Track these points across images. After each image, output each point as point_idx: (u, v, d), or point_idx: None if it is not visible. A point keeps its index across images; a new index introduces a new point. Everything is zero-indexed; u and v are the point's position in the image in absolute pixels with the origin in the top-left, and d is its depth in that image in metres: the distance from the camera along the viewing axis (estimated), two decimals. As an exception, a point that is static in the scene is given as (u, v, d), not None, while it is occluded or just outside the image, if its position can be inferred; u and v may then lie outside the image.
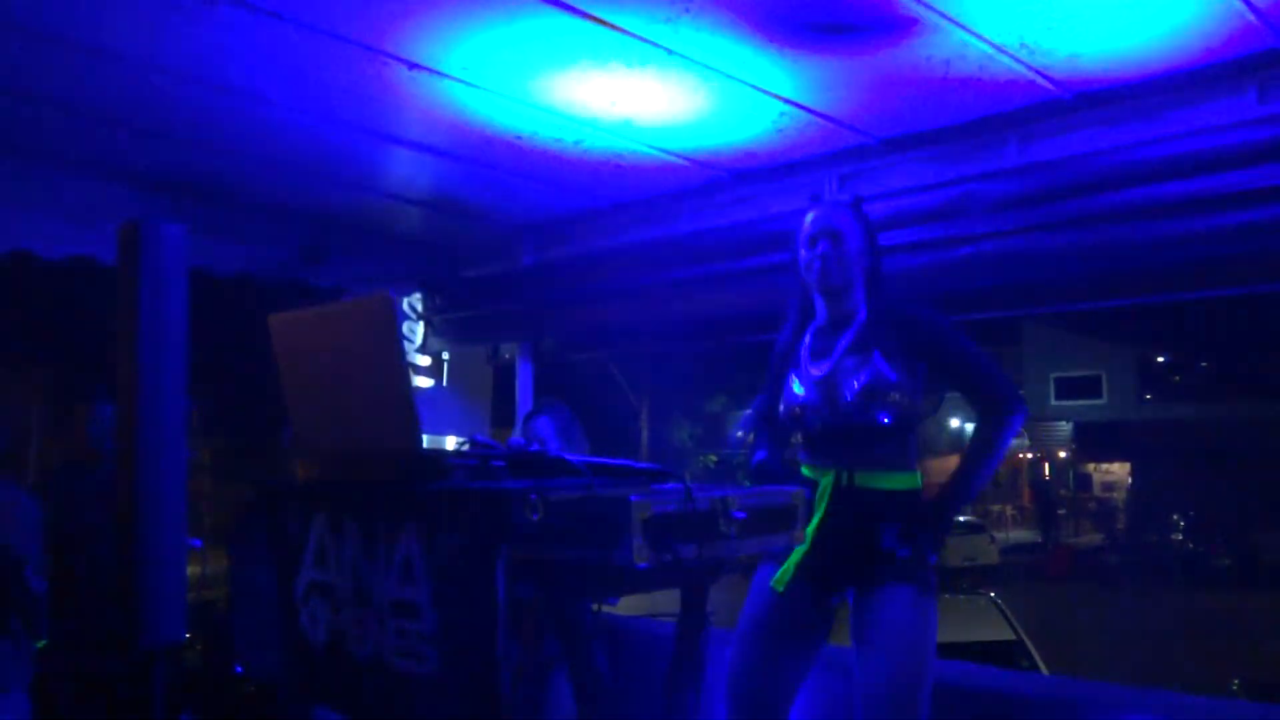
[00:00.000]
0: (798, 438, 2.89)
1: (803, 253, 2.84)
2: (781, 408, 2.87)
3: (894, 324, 2.74)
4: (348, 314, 2.11)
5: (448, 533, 1.76)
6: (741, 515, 1.92)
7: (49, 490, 4.44)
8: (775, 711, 2.77)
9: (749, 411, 3.15)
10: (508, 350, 5.65)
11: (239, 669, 2.48)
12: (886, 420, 2.68)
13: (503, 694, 1.64)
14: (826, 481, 2.73)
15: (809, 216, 2.86)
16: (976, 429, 2.77)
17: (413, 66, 3.13)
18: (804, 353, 2.86)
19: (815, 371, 2.79)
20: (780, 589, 2.75)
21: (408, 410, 1.88)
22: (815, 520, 2.71)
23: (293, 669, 2.15)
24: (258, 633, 2.23)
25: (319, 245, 4.77)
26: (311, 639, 2.06)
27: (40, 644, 4.19)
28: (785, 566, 2.75)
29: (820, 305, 2.87)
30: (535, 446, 2.18)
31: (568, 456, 1.88)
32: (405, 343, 5.45)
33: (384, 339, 1.91)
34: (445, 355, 5.71)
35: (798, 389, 2.81)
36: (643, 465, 1.99)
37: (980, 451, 2.73)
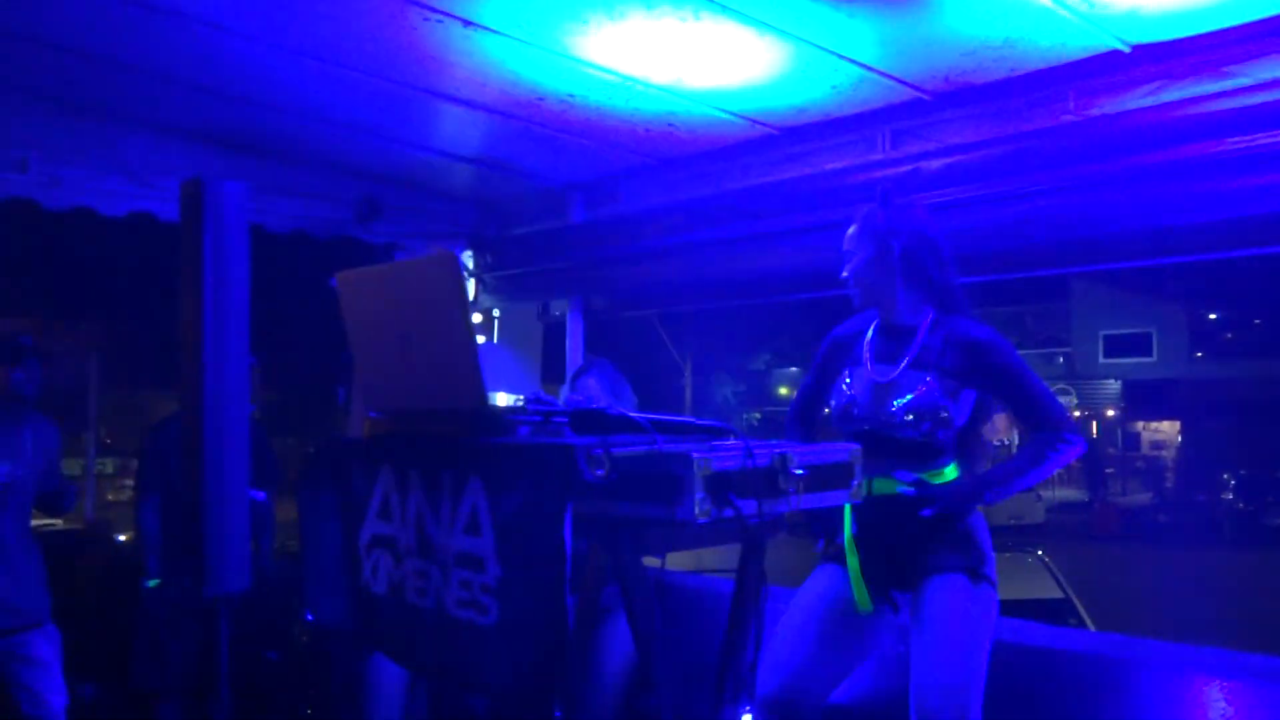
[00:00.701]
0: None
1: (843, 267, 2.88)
2: (832, 401, 2.88)
3: (959, 345, 2.72)
4: (413, 272, 2.15)
5: (514, 487, 1.80)
6: (801, 472, 1.94)
7: (155, 440, 4.63)
8: (813, 698, 2.75)
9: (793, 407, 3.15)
10: (558, 308, 5.68)
11: (309, 616, 2.57)
12: (938, 436, 2.70)
13: (566, 645, 1.68)
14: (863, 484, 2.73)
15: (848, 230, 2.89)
16: (1031, 441, 2.72)
17: (468, 24, 3.14)
18: (866, 352, 2.84)
19: (876, 376, 2.78)
20: (864, 609, 2.73)
21: (473, 366, 1.92)
22: (849, 524, 2.76)
23: (355, 618, 2.21)
24: (326, 582, 2.29)
25: (373, 202, 4.81)
26: (374, 590, 2.12)
27: (153, 583, 4.43)
28: (855, 585, 2.73)
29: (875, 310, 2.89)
30: (591, 403, 2.21)
31: (631, 413, 1.91)
32: (468, 300, 5.52)
33: (449, 296, 1.95)
34: (496, 313, 5.76)
35: (850, 389, 2.82)
36: (703, 422, 2.02)
37: (1030, 458, 2.70)
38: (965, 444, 2.80)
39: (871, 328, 2.88)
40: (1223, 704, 2.62)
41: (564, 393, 4.11)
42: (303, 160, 4.62)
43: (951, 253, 2.87)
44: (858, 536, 2.74)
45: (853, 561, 2.74)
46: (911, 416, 2.69)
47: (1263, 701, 2.60)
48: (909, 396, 2.69)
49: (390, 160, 4.63)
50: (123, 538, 7.57)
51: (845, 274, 2.85)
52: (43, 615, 4.12)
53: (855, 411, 2.78)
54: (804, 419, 3.08)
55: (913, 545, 2.69)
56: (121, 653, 4.59)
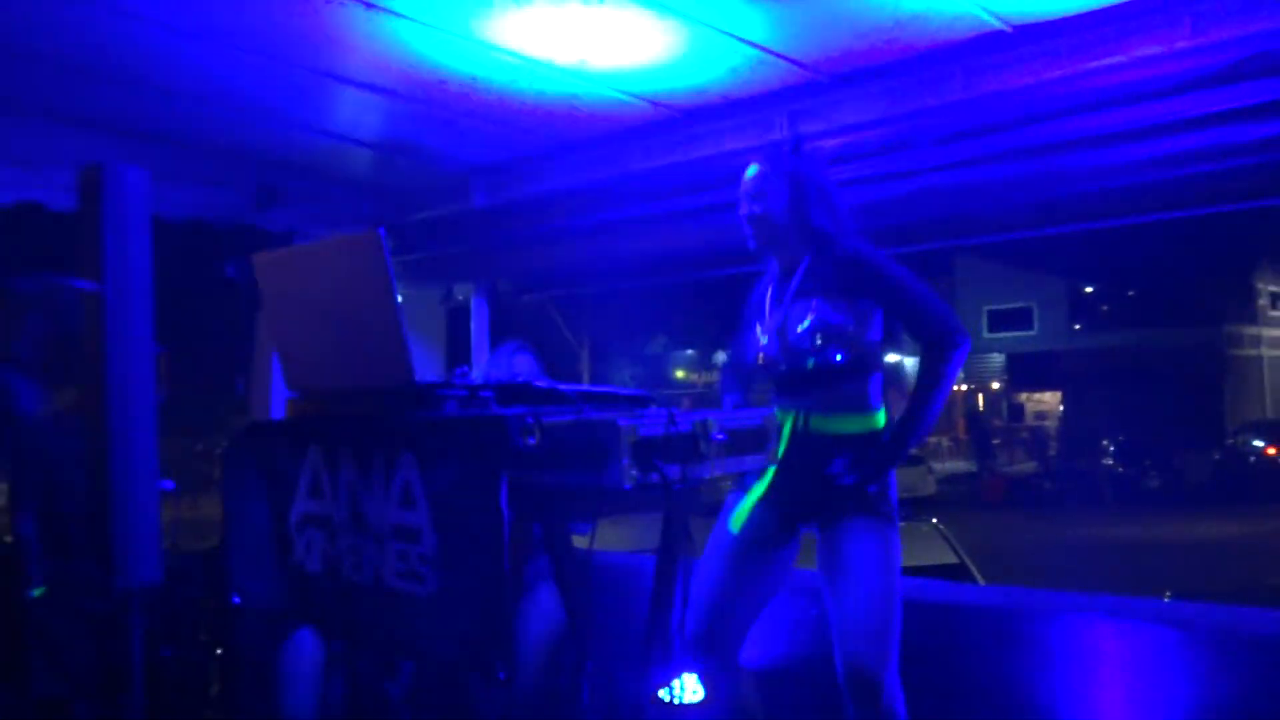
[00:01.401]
0: (768, 387, 2.96)
1: (740, 207, 2.92)
2: (750, 355, 2.96)
3: (835, 264, 2.78)
4: (337, 251, 2.16)
5: (447, 459, 1.84)
6: (721, 437, 2.02)
7: (29, 440, 4.46)
8: (734, 631, 2.88)
9: (725, 363, 3.23)
10: (461, 292, 5.69)
11: (236, 599, 2.57)
12: (838, 359, 2.75)
13: (506, 610, 1.74)
14: (786, 425, 2.80)
15: (745, 174, 2.93)
16: (921, 363, 2.77)
17: (369, 6, 3.14)
18: (768, 302, 2.94)
19: (773, 320, 2.88)
20: (736, 529, 2.85)
21: (400, 344, 1.95)
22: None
23: (288, 597, 2.23)
24: (254, 564, 2.30)
25: (271, 189, 4.76)
26: (308, 568, 2.14)
27: (38, 591, 4.26)
28: (743, 505, 2.85)
29: (771, 257, 2.97)
30: (520, 378, 2.26)
31: (558, 385, 1.97)
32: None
33: (375, 275, 1.98)
34: (398, 298, 5.73)
35: (761, 338, 2.90)
36: (626, 391, 2.08)
37: (928, 386, 2.73)
38: (873, 363, 2.84)
39: (770, 279, 2.97)
40: (1113, 643, 2.80)
41: (485, 372, 4.14)
42: (198, 146, 4.53)
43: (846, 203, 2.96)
44: (783, 462, 2.71)
45: (758, 487, 2.82)
46: (813, 342, 2.75)
47: (1150, 640, 2.78)
48: (805, 323, 2.76)
49: (289, 146, 4.57)
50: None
51: (753, 213, 2.88)
52: None
53: (768, 356, 2.85)
54: (737, 375, 3.14)
55: (829, 486, 2.74)
56: (11, 662, 4.46)
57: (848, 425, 2.79)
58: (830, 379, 2.78)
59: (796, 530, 2.88)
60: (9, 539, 3.96)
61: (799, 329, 2.77)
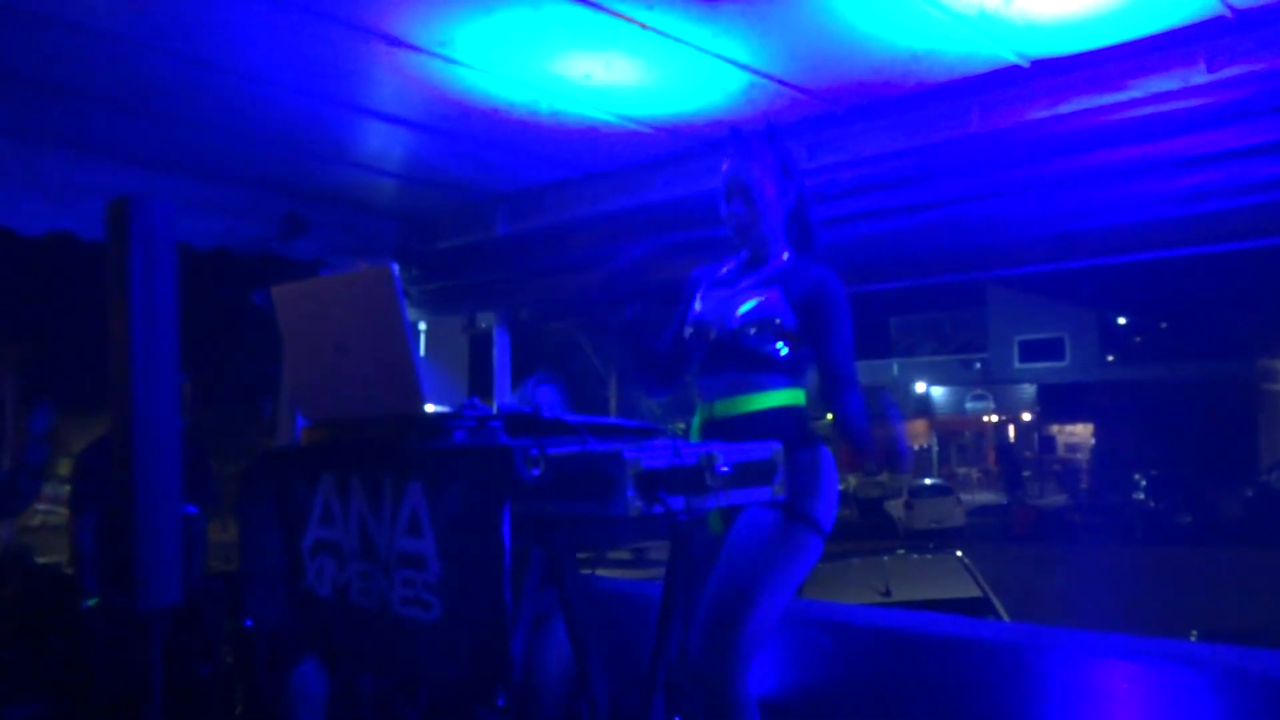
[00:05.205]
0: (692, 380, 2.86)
1: (721, 205, 2.86)
2: (687, 327, 2.86)
3: (807, 277, 2.74)
4: (351, 284, 2.20)
5: (452, 488, 1.87)
6: (726, 470, 2.04)
7: (88, 459, 4.59)
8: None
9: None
10: (484, 320, 5.74)
11: (249, 623, 2.60)
12: (769, 350, 2.67)
13: (508, 637, 1.76)
14: (696, 417, 2.74)
15: (725, 165, 2.85)
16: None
17: (393, 42, 3.20)
18: (723, 277, 2.90)
19: (719, 292, 2.83)
20: (714, 530, 2.66)
21: (411, 374, 1.99)
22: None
23: (299, 621, 2.26)
24: (267, 588, 2.33)
25: (297, 218, 4.83)
26: (318, 593, 2.17)
27: (92, 602, 4.38)
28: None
29: (745, 248, 2.91)
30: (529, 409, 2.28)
31: (563, 415, 1.99)
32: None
33: (387, 307, 2.01)
34: (422, 326, 5.79)
35: (702, 305, 2.84)
36: (632, 423, 2.11)
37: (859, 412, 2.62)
38: (798, 373, 2.73)
39: (731, 263, 2.93)
40: (1126, 684, 2.78)
41: (508, 400, 4.17)
42: (225, 177, 4.62)
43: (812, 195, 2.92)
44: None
45: None
46: (754, 328, 2.68)
47: (1162, 680, 2.76)
48: (753, 302, 2.71)
49: (314, 176, 4.65)
50: (42, 560, 7.44)
51: (727, 210, 2.83)
52: None
53: (703, 323, 2.78)
54: (648, 354, 2.98)
55: None
56: (62, 672, 4.54)
57: (762, 402, 2.67)
58: (754, 363, 2.68)
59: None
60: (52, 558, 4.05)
61: (749, 305, 2.71)
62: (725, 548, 2.54)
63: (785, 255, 2.85)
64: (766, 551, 2.50)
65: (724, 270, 2.94)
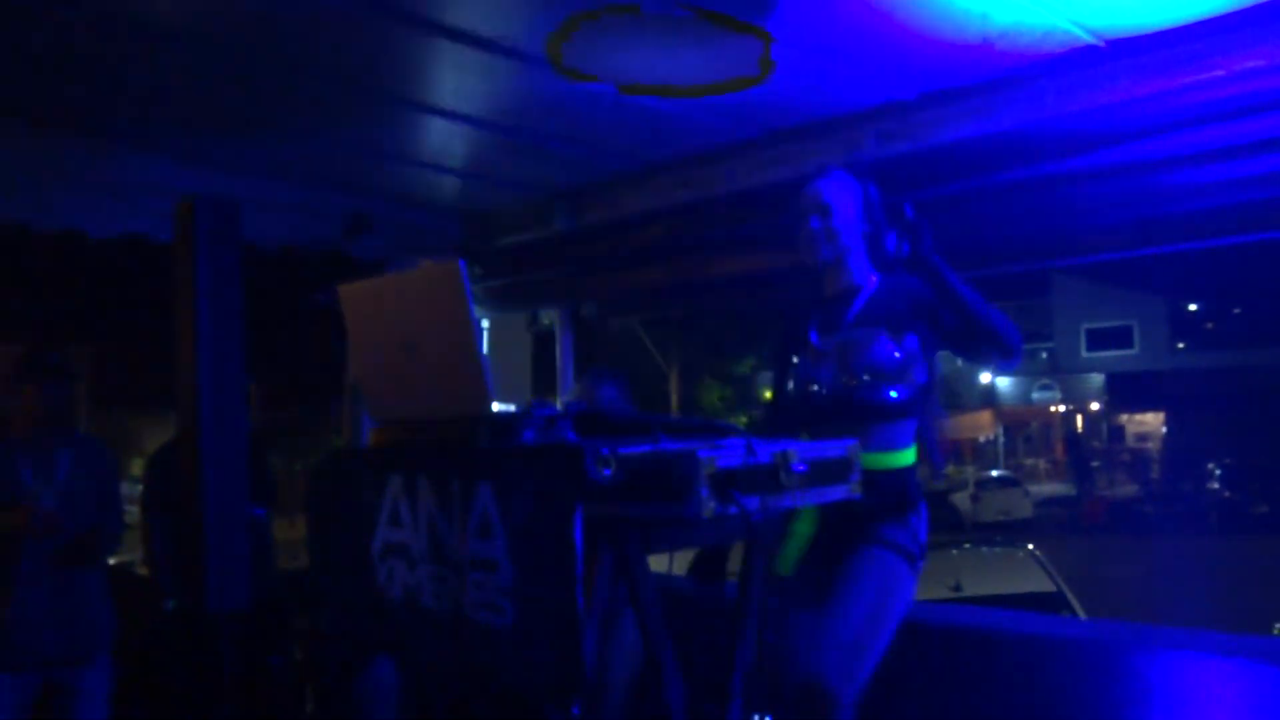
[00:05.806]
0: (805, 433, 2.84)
1: (798, 226, 2.86)
2: (791, 386, 2.87)
3: (904, 294, 2.73)
4: (418, 281, 2.18)
5: (523, 490, 1.83)
6: (802, 468, 1.98)
7: (159, 463, 4.62)
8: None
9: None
10: (547, 317, 5.72)
11: (318, 624, 2.61)
12: (895, 396, 2.68)
13: (582, 642, 1.72)
14: None
15: (804, 191, 2.88)
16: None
17: (454, 38, 3.18)
18: (810, 331, 2.86)
19: (822, 346, 2.80)
20: (788, 572, 2.74)
21: (479, 373, 1.96)
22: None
23: (369, 624, 2.24)
24: (337, 590, 2.32)
25: (362, 217, 4.84)
26: (388, 595, 2.15)
27: (173, 603, 4.42)
28: (789, 549, 2.74)
29: (825, 279, 2.90)
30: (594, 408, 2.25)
31: (635, 414, 1.95)
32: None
33: (455, 304, 1.98)
34: (485, 323, 5.79)
35: (803, 364, 2.83)
36: (705, 422, 2.06)
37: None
38: (915, 408, 2.75)
39: (810, 309, 2.90)
40: (1219, 683, 2.67)
41: (571, 399, 4.14)
42: (291, 177, 4.63)
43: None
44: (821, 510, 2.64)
45: (802, 527, 2.71)
46: (868, 376, 2.68)
47: (1257, 678, 2.65)
48: (862, 357, 2.69)
49: (376, 175, 4.65)
50: (114, 561, 7.51)
51: (803, 231, 2.83)
52: (96, 649, 3.91)
53: (815, 391, 2.77)
54: (777, 411, 3.02)
55: (853, 523, 2.66)
56: (142, 674, 4.58)
57: (882, 462, 2.70)
58: (876, 415, 2.69)
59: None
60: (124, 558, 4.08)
61: (862, 359, 2.69)
62: (850, 578, 2.60)
63: (876, 278, 2.82)
64: (884, 586, 2.61)
65: (808, 319, 2.89)
